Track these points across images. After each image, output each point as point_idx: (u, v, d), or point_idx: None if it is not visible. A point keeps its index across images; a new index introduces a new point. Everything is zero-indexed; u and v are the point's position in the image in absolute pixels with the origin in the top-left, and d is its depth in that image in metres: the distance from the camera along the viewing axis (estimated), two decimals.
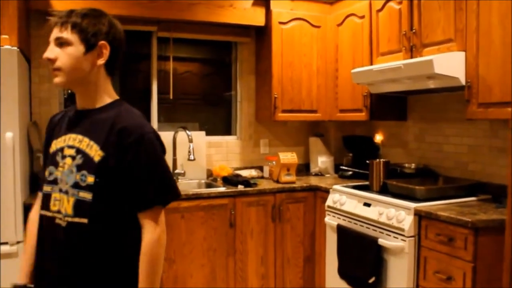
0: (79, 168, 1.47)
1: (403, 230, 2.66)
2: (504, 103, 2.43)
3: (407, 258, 2.64)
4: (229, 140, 4.25)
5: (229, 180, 3.69)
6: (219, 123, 4.39)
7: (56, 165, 1.53)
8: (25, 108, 3.13)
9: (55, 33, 1.48)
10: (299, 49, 3.96)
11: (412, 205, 2.67)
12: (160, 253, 1.52)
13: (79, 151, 1.49)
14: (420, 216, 2.62)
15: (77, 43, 1.47)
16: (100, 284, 1.48)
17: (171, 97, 4.02)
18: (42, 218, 1.56)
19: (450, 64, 2.69)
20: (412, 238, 2.64)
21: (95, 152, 1.47)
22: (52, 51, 1.48)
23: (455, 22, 2.74)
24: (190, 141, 3.64)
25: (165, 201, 1.54)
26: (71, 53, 1.47)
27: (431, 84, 2.89)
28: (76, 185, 1.46)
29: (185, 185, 3.79)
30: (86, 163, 1.47)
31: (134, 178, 1.48)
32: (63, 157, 1.51)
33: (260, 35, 4.12)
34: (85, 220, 1.45)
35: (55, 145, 1.56)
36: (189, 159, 3.62)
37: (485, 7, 2.55)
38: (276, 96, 3.89)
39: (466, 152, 3.17)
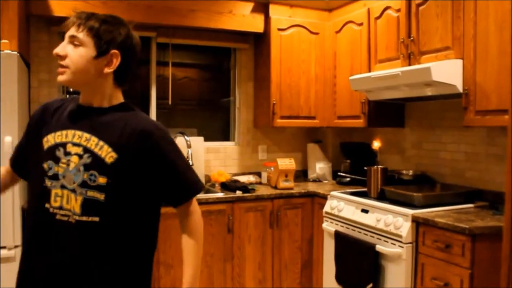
0: (87, 167, 1.46)
1: (400, 236, 2.66)
2: (501, 110, 2.44)
3: (405, 264, 2.65)
4: (228, 146, 4.26)
5: (227, 186, 3.70)
6: (218, 129, 4.39)
7: (56, 160, 1.50)
8: (24, 113, 3.13)
9: (72, 31, 1.48)
10: (298, 56, 3.98)
11: (410, 211, 2.68)
12: (201, 240, 1.63)
13: (86, 150, 1.47)
14: (417, 222, 2.63)
15: (89, 46, 1.47)
16: (110, 283, 1.48)
17: (169, 102, 4.03)
18: (36, 211, 1.52)
19: (447, 72, 2.71)
20: (410, 245, 2.65)
21: (107, 154, 1.47)
22: (63, 48, 1.48)
23: (452, 30, 2.76)
24: (189, 146, 3.64)
25: (199, 190, 1.64)
26: (82, 54, 1.47)
27: (429, 92, 2.91)
28: (84, 185, 1.45)
29: None
30: (96, 164, 1.46)
31: (172, 176, 1.56)
32: (67, 153, 1.49)
33: (259, 42, 4.14)
34: (96, 219, 1.45)
35: (54, 138, 1.53)
36: None
37: (482, 15, 2.58)
38: (274, 102, 3.91)
39: (463, 159, 3.19)
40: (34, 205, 1.54)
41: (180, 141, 3.79)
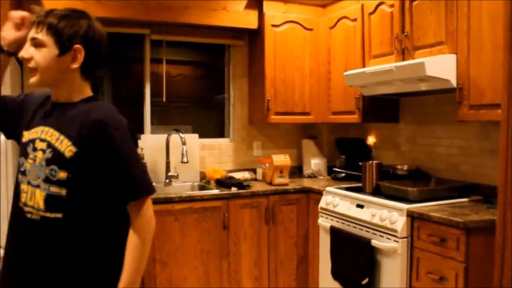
0: (48, 162, 1.47)
1: (395, 231, 2.67)
2: (495, 105, 2.45)
3: (400, 259, 2.66)
4: (222, 142, 4.26)
5: (222, 183, 3.70)
6: (212, 126, 4.39)
7: (26, 156, 1.52)
8: None
9: (32, 32, 1.48)
10: (292, 52, 3.98)
11: (405, 206, 2.69)
12: (147, 242, 1.52)
13: (49, 145, 1.48)
14: (412, 217, 2.64)
15: (51, 45, 1.47)
16: (79, 279, 1.47)
17: (164, 99, 4.02)
18: (12, 208, 1.56)
19: (441, 67, 2.72)
20: (405, 239, 2.66)
21: (66, 148, 1.46)
22: (27, 51, 1.48)
23: (446, 25, 2.77)
24: (183, 143, 3.64)
25: (149, 192, 1.54)
26: (45, 55, 1.47)
27: (423, 87, 2.92)
28: (47, 180, 1.46)
29: (178, 187, 3.79)
30: (56, 158, 1.46)
31: (118, 171, 1.49)
32: (34, 149, 1.50)
33: (253, 38, 4.13)
34: (59, 215, 1.45)
35: (28, 135, 1.55)
36: (182, 162, 3.62)
37: (475, 10, 2.58)
38: (269, 98, 3.90)
39: (457, 153, 3.20)
40: (12, 202, 1.58)
41: (175, 138, 3.79)
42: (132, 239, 1.49)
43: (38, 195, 1.47)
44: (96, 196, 1.49)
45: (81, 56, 1.50)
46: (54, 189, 1.45)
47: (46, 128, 1.51)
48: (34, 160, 1.49)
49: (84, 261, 1.47)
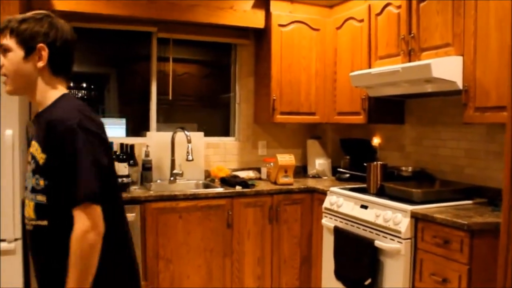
0: (33, 173, 1.49)
1: (399, 232, 2.67)
2: (501, 107, 2.45)
3: (403, 260, 2.66)
4: (228, 141, 4.27)
5: (227, 181, 3.71)
6: (218, 124, 4.40)
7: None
8: (25, 106, 3.13)
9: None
10: (298, 52, 3.98)
11: (409, 207, 2.68)
12: (84, 251, 1.38)
13: (32, 156, 1.51)
14: (416, 218, 2.64)
15: (16, 48, 1.49)
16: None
17: (170, 98, 4.04)
18: None
19: (447, 68, 2.71)
20: (409, 240, 2.66)
21: (39, 155, 1.47)
22: None
23: (453, 26, 2.77)
24: (189, 141, 3.65)
25: (90, 197, 1.39)
26: (12, 58, 1.50)
27: (429, 88, 2.91)
28: (33, 190, 1.49)
29: (183, 185, 3.80)
30: (36, 167, 1.48)
31: (65, 172, 1.41)
32: (29, 164, 1.54)
33: (260, 37, 4.14)
34: (45, 222, 1.46)
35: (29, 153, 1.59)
36: (187, 160, 3.63)
37: (483, 12, 2.58)
38: (274, 98, 3.91)
39: (462, 156, 3.20)
40: None
41: (180, 136, 3.80)
42: (71, 245, 1.38)
43: (29, 206, 1.50)
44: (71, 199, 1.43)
45: (45, 54, 1.51)
46: (39, 198, 1.47)
47: (33, 142, 1.54)
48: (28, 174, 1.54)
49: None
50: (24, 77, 1.51)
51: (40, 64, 1.51)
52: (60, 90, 1.57)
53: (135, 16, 3.57)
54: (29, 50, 1.50)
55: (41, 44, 1.50)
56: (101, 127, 1.51)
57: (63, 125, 1.41)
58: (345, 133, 4.38)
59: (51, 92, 1.55)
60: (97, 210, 1.40)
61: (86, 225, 1.36)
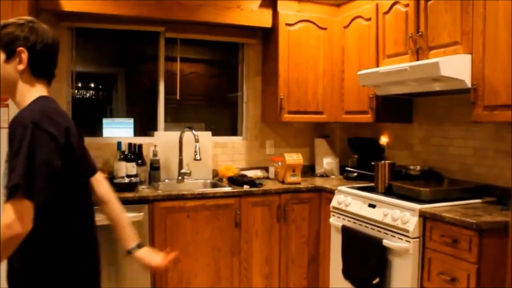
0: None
1: (407, 231, 2.67)
2: (510, 105, 2.44)
3: (412, 259, 2.65)
4: (235, 140, 4.28)
5: (234, 180, 3.72)
6: (225, 124, 4.41)
7: None
8: None
9: None
10: (306, 51, 3.98)
11: (417, 206, 2.68)
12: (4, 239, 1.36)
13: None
14: (424, 217, 2.63)
15: None
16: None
17: (177, 97, 4.05)
18: None
19: (456, 67, 2.70)
20: (417, 240, 2.65)
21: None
22: None
23: (461, 25, 2.75)
24: (196, 141, 3.66)
25: (12, 193, 1.37)
26: None
27: (437, 87, 2.90)
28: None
29: (191, 184, 3.81)
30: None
31: (7, 167, 1.43)
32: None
33: (267, 37, 4.14)
34: None
35: None
36: (195, 159, 3.64)
37: (491, 10, 2.56)
38: (282, 97, 3.91)
39: (471, 154, 3.18)
40: None
41: (188, 135, 3.82)
42: None
43: None
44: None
45: (25, 57, 1.56)
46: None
47: None
48: None
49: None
50: (6, 79, 1.56)
51: (20, 67, 1.56)
52: (39, 92, 1.61)
53: (143, 16, 3.59)
54: (10, 53, 1.55)
55: (21, 48, 1.55)
56: (63, 130, 1.49)
57: (18, 123, 1.43)
58: (352, 132, 4.37)
59: (29, 94, 1.58)
60: (26, 205, 1.37)
61: (9, 218, 1.35)
